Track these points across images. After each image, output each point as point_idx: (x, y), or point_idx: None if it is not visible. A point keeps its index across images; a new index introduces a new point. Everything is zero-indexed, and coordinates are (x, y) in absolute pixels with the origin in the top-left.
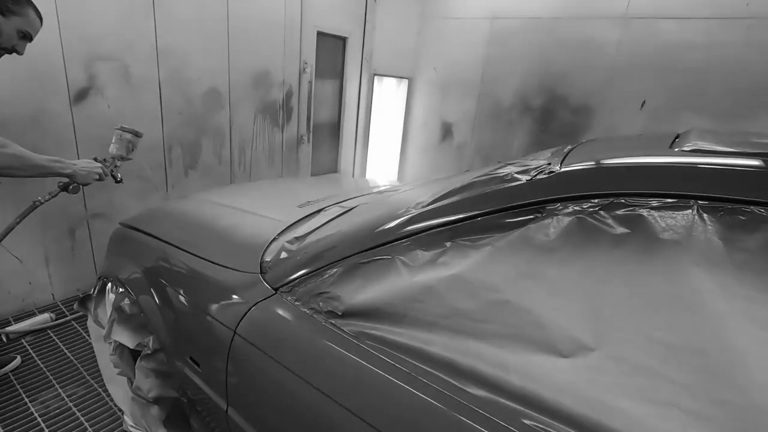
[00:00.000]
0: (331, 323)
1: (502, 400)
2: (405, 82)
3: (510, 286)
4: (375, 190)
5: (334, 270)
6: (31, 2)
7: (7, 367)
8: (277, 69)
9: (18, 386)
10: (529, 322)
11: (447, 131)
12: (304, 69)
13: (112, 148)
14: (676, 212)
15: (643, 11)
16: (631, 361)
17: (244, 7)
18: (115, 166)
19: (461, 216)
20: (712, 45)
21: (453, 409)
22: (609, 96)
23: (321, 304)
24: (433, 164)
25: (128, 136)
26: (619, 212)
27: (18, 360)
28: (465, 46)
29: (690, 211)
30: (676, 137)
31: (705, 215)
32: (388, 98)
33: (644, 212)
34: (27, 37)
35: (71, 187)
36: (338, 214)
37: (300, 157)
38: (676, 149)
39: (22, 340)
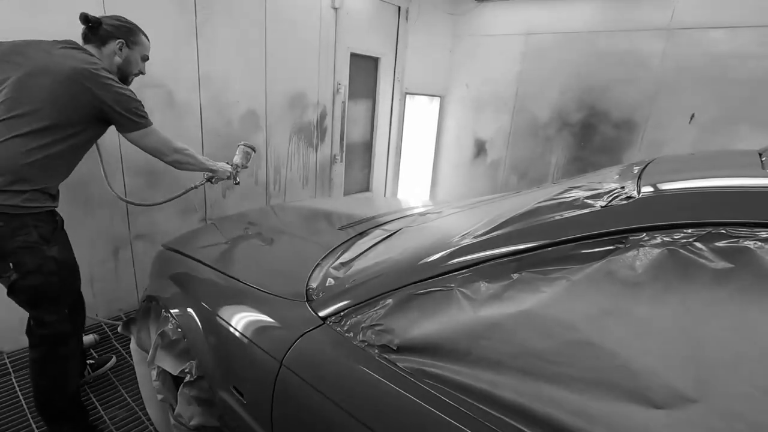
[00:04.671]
0: (386, 358)
1: None
2: (437, 100)
3: (591, 326)
4: (414, 211)
5: (387, 301)
6: (140, 28)
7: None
8: (312, 90)
9: None
10: (615, 367)
11: (480, 148)
12: (338, 90)
13: (236, 158)
14: None
15: (689, 22)
16: (745, 418)
17: (281, 32)
18: (237, 172)
19: (528, 245)
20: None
21: None
22: (655, 110)
23: (374, 337)
24: (465, 181)
25: (246, 149)
26: (720, 244)
27: (114, 360)
28: (498, 62)
29: None
30: (761, 156)
31: None
32: (420, 116)
33: (750, 244)
34: (146, 58)
35: (213, 179)
36: (382, 238)
37: (333, 176)
38: None
39: None
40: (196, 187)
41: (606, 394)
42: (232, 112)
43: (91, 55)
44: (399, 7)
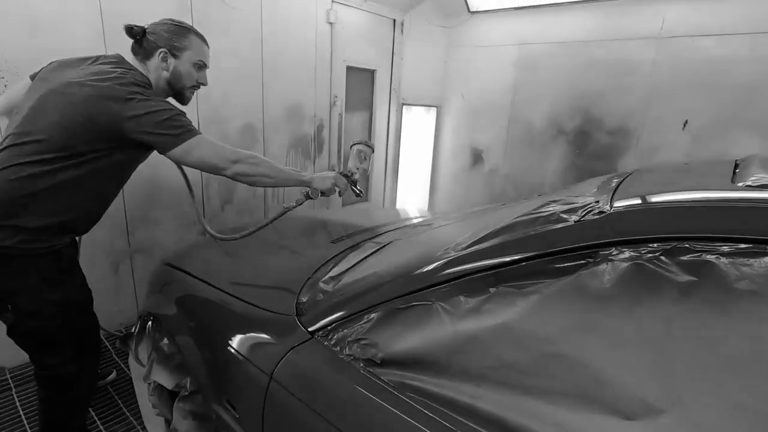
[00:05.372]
0: (370, 372)
1: None
2: (433, 110)
3: (564, 338)
4: (407, 222)
5: (372, 315)
6: (192, 28)
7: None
8: (309, 103)
9: None
10: (588, 378)
11: (477, 157)
12: (335, 102)
13: (350, 163)
14: (752, 259)
15: (678, 30)
16: (711, 428)
17: (277, 46)
18: (354, 181)
19: (504, 260)
20: (759, 59)
21: None
22: (648, 116)
23: (359, 350)
24: (464, 190)
25: (360, 147)
26: (684, 258)
27: (114, 374)
28: (493, 72)
29: None
30: (735, 167)
31: None
32: (417, 127)
33: (712, 258)
34: (204, 66)
35: (311, 193)
36: (373, 251)
37: None
38: (741, 183)
39: None
40: (291, 209)
41: (579, 405)
42: (230, 125)
43: (128, 70)
44: (394, 20)
